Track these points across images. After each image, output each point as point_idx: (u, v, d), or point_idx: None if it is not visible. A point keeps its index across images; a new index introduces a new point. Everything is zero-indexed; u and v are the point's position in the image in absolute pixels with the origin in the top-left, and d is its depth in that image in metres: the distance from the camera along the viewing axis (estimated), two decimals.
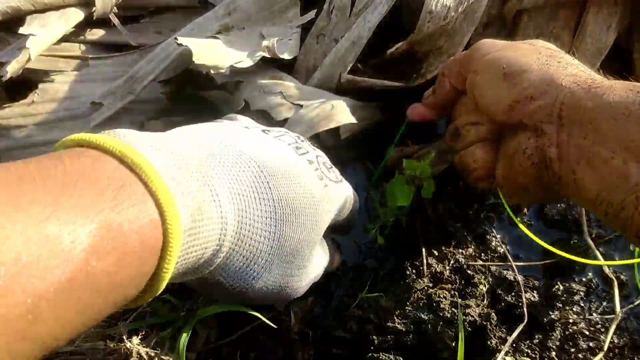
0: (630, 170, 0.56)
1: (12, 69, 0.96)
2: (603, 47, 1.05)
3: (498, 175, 0.73)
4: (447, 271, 0.94)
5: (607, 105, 0.58)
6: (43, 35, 1.01)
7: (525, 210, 1.02)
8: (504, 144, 0.71)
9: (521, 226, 0.83)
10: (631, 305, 0.94)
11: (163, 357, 0.70)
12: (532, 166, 0.65)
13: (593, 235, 1.00)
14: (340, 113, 0.92)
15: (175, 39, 0.95)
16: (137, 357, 0.68)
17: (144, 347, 0.69)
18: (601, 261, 0.95)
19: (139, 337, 0.71)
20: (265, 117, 0.99)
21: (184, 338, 0.72)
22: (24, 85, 1.02)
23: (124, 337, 0.69)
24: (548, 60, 0.66)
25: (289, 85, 0.96)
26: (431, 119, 0.86)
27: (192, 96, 1.08)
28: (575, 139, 0.61)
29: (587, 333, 0.91)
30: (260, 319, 0.84)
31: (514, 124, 0.67)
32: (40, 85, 1.00)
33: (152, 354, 0.69)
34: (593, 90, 0.60)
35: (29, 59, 0.98)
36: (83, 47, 1.09)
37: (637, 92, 0.58)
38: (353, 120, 0.92)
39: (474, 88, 0.72)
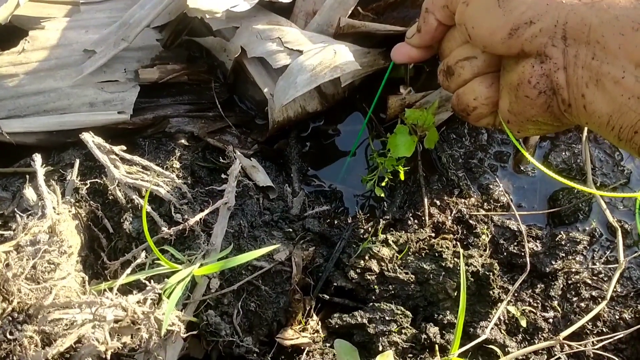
0: None
1: (1, 16, 0.93)
2: None
3: (503, 110, 0.68)
4: (450, 221, 0.93)
5: (614, 20, 0.54)
6: None
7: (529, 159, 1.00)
8: (505, 76, 0.66)
9: (529, 158, 0.81)
10: (635, 255, 0.93)
11: (158, 314, 0.69)
12: (539, 96, 0.61)
13: (598, 184, 0.98)
14: (344, 59, 0.88)
15: None
16: (132, 314, 0.67)
17: (139, 305, 0.69)
18: (597, 191, 0.94)
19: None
20: (264, 64, 0.96)
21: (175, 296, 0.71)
22: (13, 33, 0.99)
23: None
24: None
25: (288, 30, 0.93)
26: (418, 59, 0.79)
27: (187, 43, 1.05)
28: (582, 60, 0.56)
29: (589, 282, 0.91)
30: (262, 269, 0.84)
31: (515, 53, 0.62)
32: (31, 33, 0.96)
33: (147, 311, 0.68)
34: (597, 5, 0.55)
35: (17, 5, 0.95)
36: None
37: None
38: (357, 66, 0.89)
39: (465, 20, 0.66)
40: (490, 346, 0.83)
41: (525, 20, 0.59)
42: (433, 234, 0.92)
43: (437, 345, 0.81)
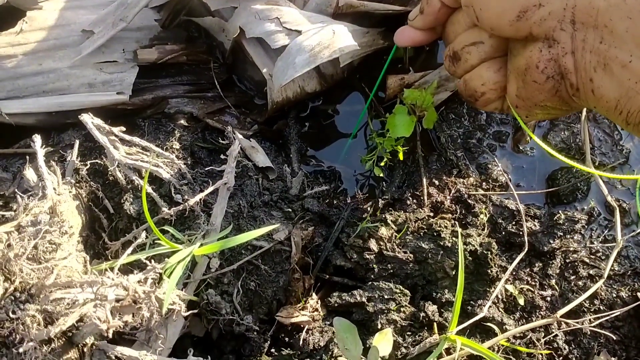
0: None
1: None
2: None
3: (511, 95, 0.67)
4: (448, 201, 0.94)
5: (622, 3, 0.53)
6: None
7: (529, 138, 1.00)
8: (513, 60, 0.65)
9: (537, 140, 0.80)
10: (633, 233, 0.94)
11: (159, 293, 0.69)
12: (547, 80, 0.60)
13: (596, 163, 0.98)
14: (342, 39, 0.88)
15: None
16: (133, 293, 0.67)
17: (140, 284, 0.69)
18: (596, 170, 0.94)
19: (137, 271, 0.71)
20: (263, 44, 0.96)
21: (176, 275, 0.72)
22: (11, 13, 0.98)
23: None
24: None
25: (286, 10, 0.92)
26: (421, 42, 0.77)
27: (186, 23, 1.04)
28: (590, 45, 0.56)
29: (587, 261, 0.91)
30: (261, 248, 0.84)
31: (523, 37, 0.61)
32: (29, 13, 0.96)
33: (148, 290, 0.69)
34: None
35: None
36: None
37: None
38: (356, 46, 0.88)
39: (473, 2, 0.64)
40: (488, 324, 0.84)
41: (534, 3, 0.58)
42: (432, 214, 0.93)
43: (435, 323, 0.82)
